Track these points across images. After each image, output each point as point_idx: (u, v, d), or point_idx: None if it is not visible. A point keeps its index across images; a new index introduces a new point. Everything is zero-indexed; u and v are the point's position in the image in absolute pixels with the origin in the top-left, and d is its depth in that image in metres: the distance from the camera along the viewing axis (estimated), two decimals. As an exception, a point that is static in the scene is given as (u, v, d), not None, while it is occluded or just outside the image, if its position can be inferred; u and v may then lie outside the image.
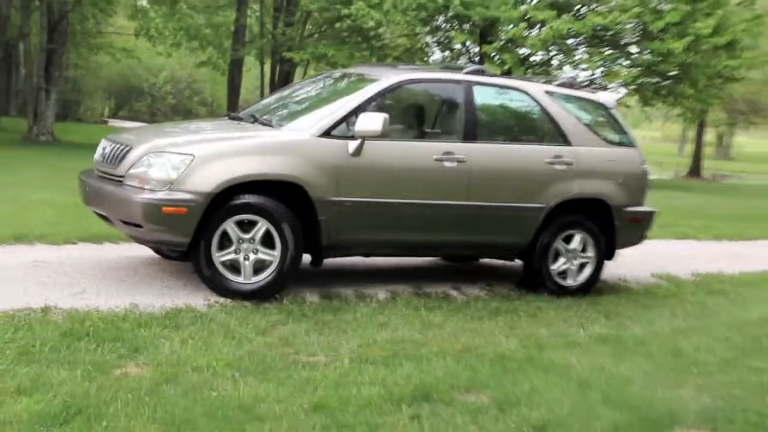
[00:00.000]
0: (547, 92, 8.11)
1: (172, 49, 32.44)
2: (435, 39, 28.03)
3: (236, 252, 6.74)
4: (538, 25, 24.98)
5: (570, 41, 26.11)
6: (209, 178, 6.54)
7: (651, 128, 76.79)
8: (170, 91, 63.08)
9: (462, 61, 28.16)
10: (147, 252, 8.13)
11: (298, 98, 8.16)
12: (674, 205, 18.85)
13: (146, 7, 31.85)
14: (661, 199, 22.53)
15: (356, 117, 6.96)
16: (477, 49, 26.76)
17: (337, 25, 29.72)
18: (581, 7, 25.36)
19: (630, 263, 10.15)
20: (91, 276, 7.21)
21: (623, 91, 8.12)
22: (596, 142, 8.21)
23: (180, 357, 5.43)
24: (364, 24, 25.64)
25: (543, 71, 27.88)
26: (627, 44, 26.21)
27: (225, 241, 6.72)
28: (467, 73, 7.87)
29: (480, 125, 7.74)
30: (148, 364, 5.29)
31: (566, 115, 8.07)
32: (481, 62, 24.82)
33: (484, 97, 7.85)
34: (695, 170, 39.45)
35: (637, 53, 26.26)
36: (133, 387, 4.85)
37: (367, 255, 7.67)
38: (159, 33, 30.40)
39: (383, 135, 6.88)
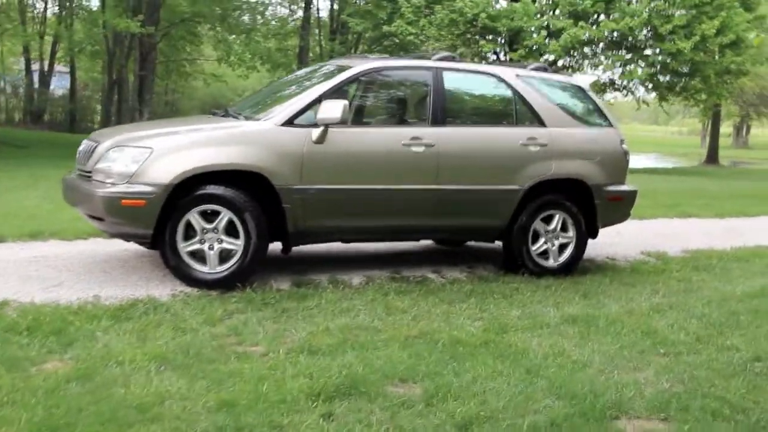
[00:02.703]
0: (519, 76, 6.88)
1: (249, 72, 31.84)
2: (471, 50, 26.73)
3: (201, 242, 5.74)
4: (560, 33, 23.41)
5: (590, 47, 24.54)
6: (167, 171, 5.57)
7: (679, 123, 74.02)
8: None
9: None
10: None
11: (276, 90, 7.10)
12: (684, 188, 17.35)
13: (228, 37, 31.41)
14: (675, 183, 21.11)
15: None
16: (505, 57, 25.37)
17: (385, 42, 28.76)
18: (597, 16, 23.73)
19: (623, 241, 8.90)
20: (77, 270, 6.27)
21: (591, 78, 7.14)
22: (572, 123, 6.94)
23: (110, 351, 4.44)
24: (407, 40, 24.63)
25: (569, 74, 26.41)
26: (641, 47, 24.47)
27: (190, 232, 5.72)
28: (437, 59, 6.69)
29: (449, 110, 6.55)
30: (73, 359, 4.33)
31: (540, 98, 6.83)
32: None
33: (454, 82, 6.64)
34: (713, 158, 37.25)
35: (650, 54, 24.50)
36: (38, 385, 3.89)
37: (337, 241, 6.55)
38: (239, 59, 29.84)
39: (343, 121, 5.82)
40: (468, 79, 6.82)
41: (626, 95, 27.35)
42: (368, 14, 26.80)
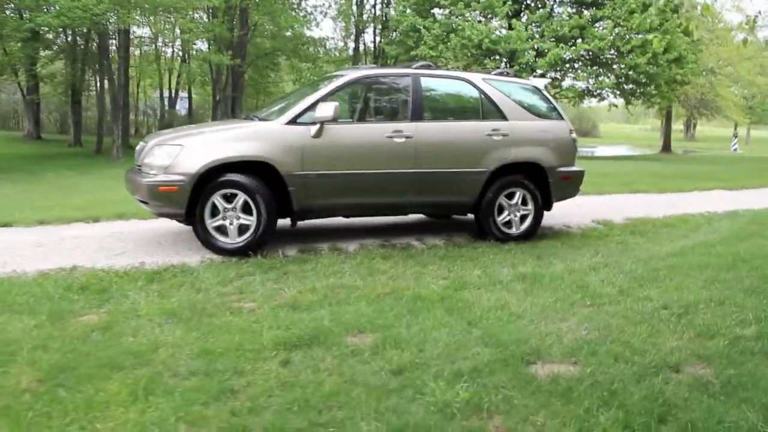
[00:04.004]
0: (485, 79, 6.22)
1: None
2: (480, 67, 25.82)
3: (223, 219, 5.29)
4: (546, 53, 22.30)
5: (570, 63, 23.36)
6: (194, 163, 5.15)
7: (645, 122, 71.42)
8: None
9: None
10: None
11: (293, 97, 6.54)
12: (639, 170, 16.29)
13: (299, 65, 31.02)
14: (634, 166, 19.96)
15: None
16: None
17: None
18: (574, 40, 22.46)
19: (580, 212, 8.13)
20: (140, 242, 5.90)
21: (547, 80, 6.56)
22: (529, 116, 6.25)
23: (134, 306, 4.06)
24: (430, 61, 23.90)
25: (557, 85, 25.34)
26: (608, 62, 23.16)
27: (215, 211, 5.27)
28: (416, 67, 6.07)
29: (426, 107, 5.94)
30: (106, 313, 3.95)
31: (502, 96, 6.16)
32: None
33: (429, 85, 6.03)
34: (667, 147, 35.41)
35: (615, 68, 23.21)
36: (69, 334, 3.55)
37: (335, 216, 6.01)
38: (308, 80, 29.42)
39: (335, 119, 5.28)
40: (442, 83, 6.20)
41: (600, 100, 26.08)
42: (400, 43, 25.99)
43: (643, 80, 22.90)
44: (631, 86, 23.84)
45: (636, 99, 25.03)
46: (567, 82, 24.32)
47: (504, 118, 6.09)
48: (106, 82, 23.74)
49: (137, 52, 34.93)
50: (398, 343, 3.41)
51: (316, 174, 5.37)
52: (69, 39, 26.00)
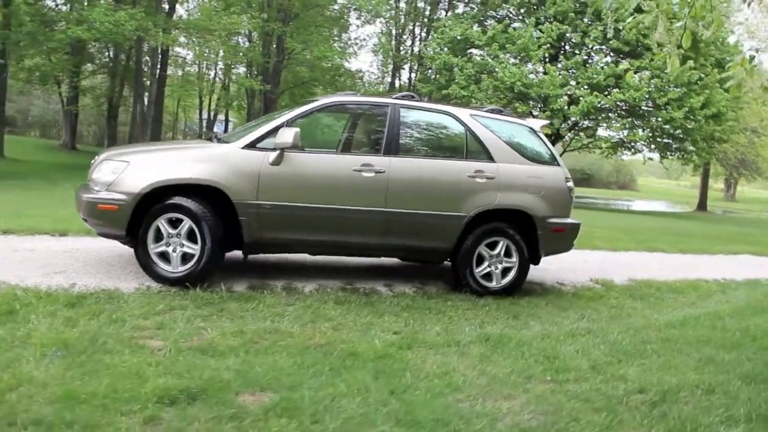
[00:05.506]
0: (473, 116, 5.70)
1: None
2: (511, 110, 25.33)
3: (167, 245, 4.84)
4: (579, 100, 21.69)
5: (604, 113, 22.69)
6: (138, 182, 4.74)
7: (686, 179, 69.62)
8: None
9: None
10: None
11: (263, 119, 6.12)
12: (664, 227, 15.38)
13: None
14: (661, 223, 18.98)
15: (281, 132, 4.90)
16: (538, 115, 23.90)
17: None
18: (610, 88, 21.80)
19: (582, 268, 7.44)
20: (90, 261, 5.52)
21: (545, 121, 6.03)
22: (520, 160, 5.69)
23: (30, 333, 3.63)
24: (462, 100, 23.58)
25: (591, 134, 24.60)
26: (644, 114, 22.37)
27: (160, 235, 4.82)
28: (396, 97, 5.61)
29: (402, 141, 5.44)
30: (-4, 338, 3.47)
31: (490, 135, 5.63)
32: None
33: (409, 118, 5.54)
34: (702, 205, 34.02)
35: (650, 120, 22.42)
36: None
37: (291, 252, 5.50)
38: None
39: (295, 146, 4.80)
40: (424, 116, 5.68)
41: (634, 153, 25.17)
42: (433, 81, 25.75)
43: (680, 135, 22.04)
44: (666, 140, 22.97)
45: (671, 154, 24.11)
46: (601, 132, 23.60)
47: (491, 159, 5.56)
48: (145, 98, 24.11)
49: (179, 72, 35.88)
50: (293, 410, 2.87)
51: (271, 204, 4.90)
52: (111, 54, 26.65)
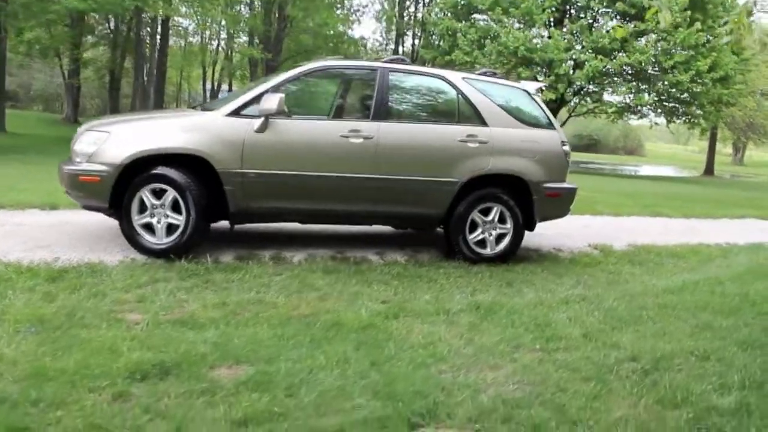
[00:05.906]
0: (465, 79, 5.50)
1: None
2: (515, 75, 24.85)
3: (151, 216, 4.74)
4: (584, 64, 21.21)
5: (609, 77, 22.22)
6: (119, 152, 4.62)
7: (695, 144, 68.78)
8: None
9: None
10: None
11: (251, 86, 5.94)
12: (670, 192, 15.11)
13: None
14: (667, 188, 18.68)
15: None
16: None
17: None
18: (615, 52, 21.29)
19: (581, 234, 7.28)
20: (77, 235, 5.45)
21: (540, 84, 5.86)
22: (514, 123, 5.50)
23: (5, 309, 3.55)
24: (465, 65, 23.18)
25: (597, 99, 24.11)
26: (649, 78, 21.87)
27: (144, 206, 4.71)
28: (385, 61, 5.41)
29: (391, 106, 5.26)
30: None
31: (483, 99, 5.43)
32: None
33: (399, 82, 5.35)
34: (710, 170, 33.51)
35: (655, 84, 21.94)
36: None
37: (278, 222, 5.39)
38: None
39: (280, 113, 4.65)
40: (414, 80, 5.49)
41: (640, 117, 24.74)
42: (437, 47, 25.31)
43: (686, 99, 21.56)
44: (672, 104, 22.50)
45: (678, 118, 23.64)
46: (607, 96, 23.14)
47: (483, 123, 5.37)
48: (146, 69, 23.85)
49: (182, 43, 35.47)
50: (267, 384, 2.78)
51: (256, 173, 4.77)
52: (111, 25, 26.30)
